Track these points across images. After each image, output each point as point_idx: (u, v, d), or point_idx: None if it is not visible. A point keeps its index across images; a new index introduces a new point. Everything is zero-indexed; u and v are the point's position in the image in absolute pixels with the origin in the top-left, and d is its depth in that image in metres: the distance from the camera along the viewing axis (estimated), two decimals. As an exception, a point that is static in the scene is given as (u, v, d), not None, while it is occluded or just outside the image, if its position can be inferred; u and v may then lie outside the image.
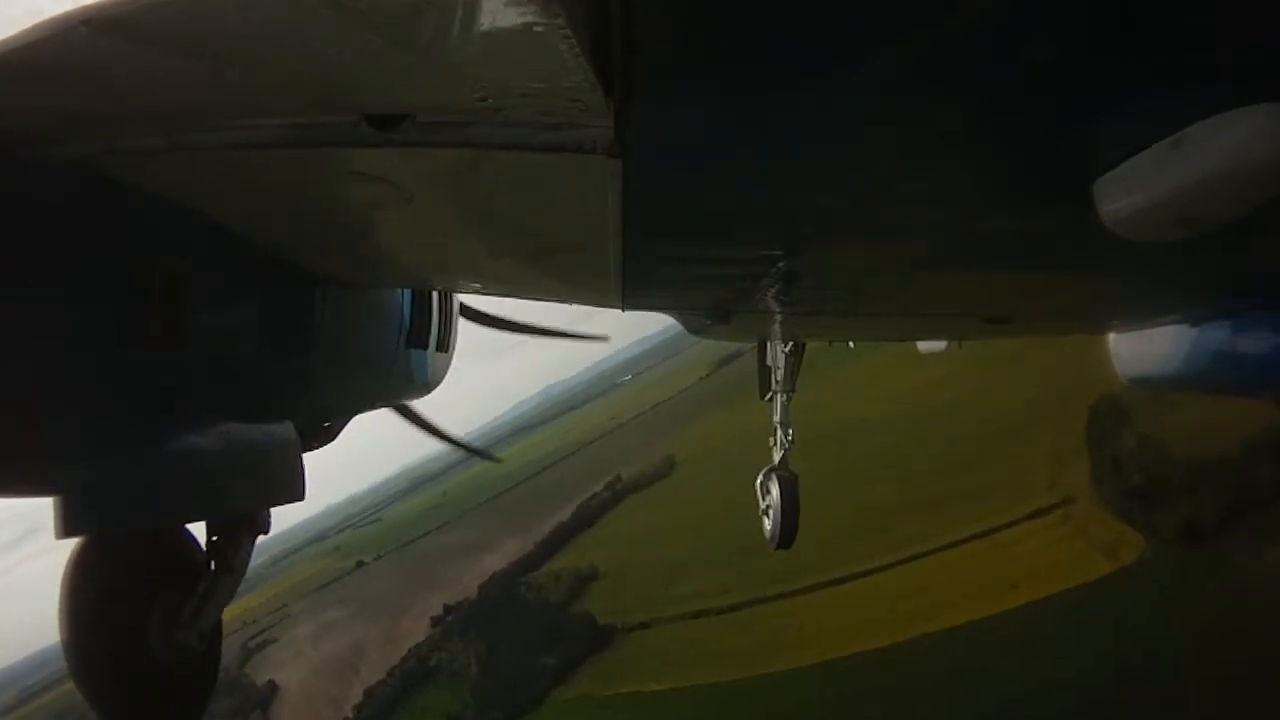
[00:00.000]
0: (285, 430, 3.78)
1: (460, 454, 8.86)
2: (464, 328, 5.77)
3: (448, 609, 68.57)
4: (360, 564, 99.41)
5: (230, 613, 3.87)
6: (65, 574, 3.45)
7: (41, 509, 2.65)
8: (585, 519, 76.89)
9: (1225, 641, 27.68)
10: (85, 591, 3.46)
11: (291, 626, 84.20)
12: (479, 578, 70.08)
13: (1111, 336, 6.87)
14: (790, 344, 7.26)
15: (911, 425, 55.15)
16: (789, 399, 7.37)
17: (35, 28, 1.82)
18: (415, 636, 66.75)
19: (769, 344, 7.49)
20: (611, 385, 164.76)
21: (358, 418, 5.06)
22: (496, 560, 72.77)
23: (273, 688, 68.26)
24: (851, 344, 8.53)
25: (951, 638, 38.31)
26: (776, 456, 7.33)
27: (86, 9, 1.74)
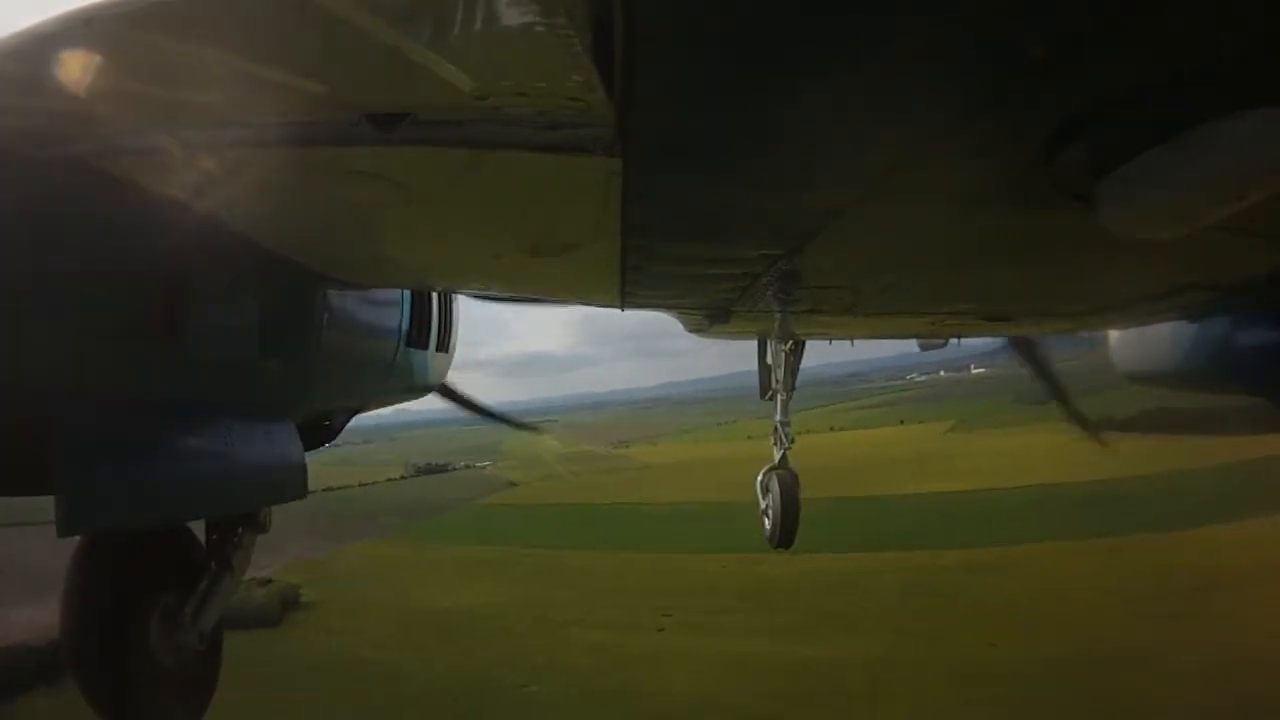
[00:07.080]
0: (286, 429, 3.78)
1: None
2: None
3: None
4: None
5: None
6: (66, 572, 3.46)
7: None
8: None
9: None
10: (86, 590, 3.47)
11: None
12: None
13: (1111, 333, 6.90)
14: (790, 343, 7.28)
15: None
16: (789, 397, 7.41)
17: (36, 26, 1.83)
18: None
19: (769, 343, 7.51)
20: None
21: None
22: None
23: None
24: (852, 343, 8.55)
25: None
26: (776, 455, 7.38)
27: (87, 8, 1.75)
